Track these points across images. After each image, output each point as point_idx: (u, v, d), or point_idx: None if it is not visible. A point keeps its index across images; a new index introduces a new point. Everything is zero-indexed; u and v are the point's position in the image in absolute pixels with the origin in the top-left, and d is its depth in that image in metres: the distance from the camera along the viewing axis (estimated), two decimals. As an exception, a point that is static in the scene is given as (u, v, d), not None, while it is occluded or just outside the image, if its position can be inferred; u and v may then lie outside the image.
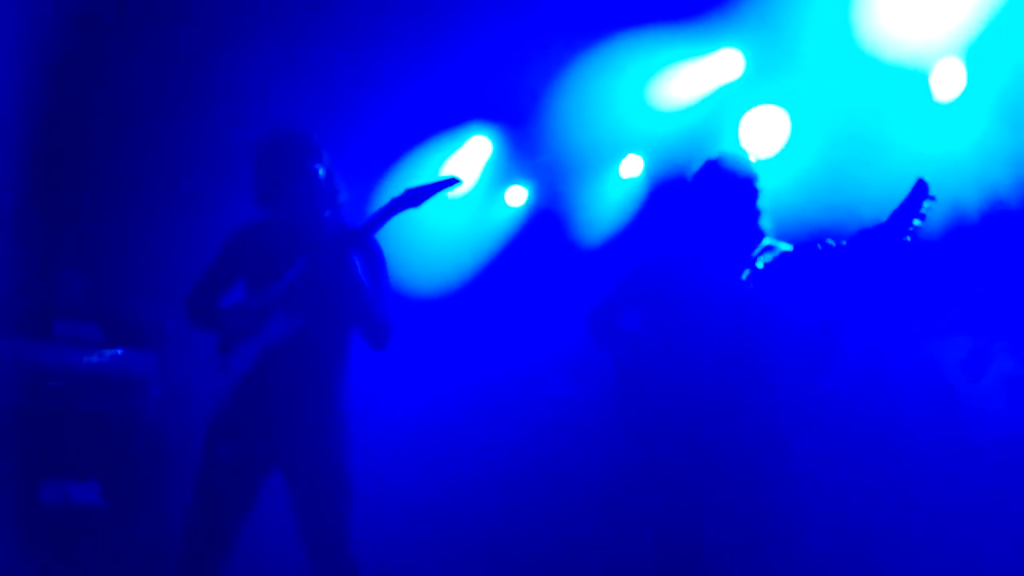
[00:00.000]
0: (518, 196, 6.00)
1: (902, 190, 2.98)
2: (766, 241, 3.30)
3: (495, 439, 5.31)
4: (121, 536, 3.72)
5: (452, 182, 3.21)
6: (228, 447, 3.17)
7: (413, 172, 5.39)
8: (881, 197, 3.07)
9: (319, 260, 3.14)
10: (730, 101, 4.85)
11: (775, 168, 4.40)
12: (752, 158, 3.40)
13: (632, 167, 5.54)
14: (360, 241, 3.19)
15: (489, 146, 5.82)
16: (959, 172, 3.75)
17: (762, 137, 4.62)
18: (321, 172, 3.28)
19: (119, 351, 3.92)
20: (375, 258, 3.32)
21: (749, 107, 4.75)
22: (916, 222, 2.98)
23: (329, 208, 3.33)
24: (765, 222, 3.30)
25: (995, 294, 4.05)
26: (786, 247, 3.28)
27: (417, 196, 3.16)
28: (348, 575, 3.13)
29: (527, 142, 5.66)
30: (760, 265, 3.23)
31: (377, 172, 5.19)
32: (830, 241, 3.10)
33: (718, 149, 3.46)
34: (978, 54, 4.16)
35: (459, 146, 5.75)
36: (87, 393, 3.80)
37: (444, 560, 5.06)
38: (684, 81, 4.95)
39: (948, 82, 4.26)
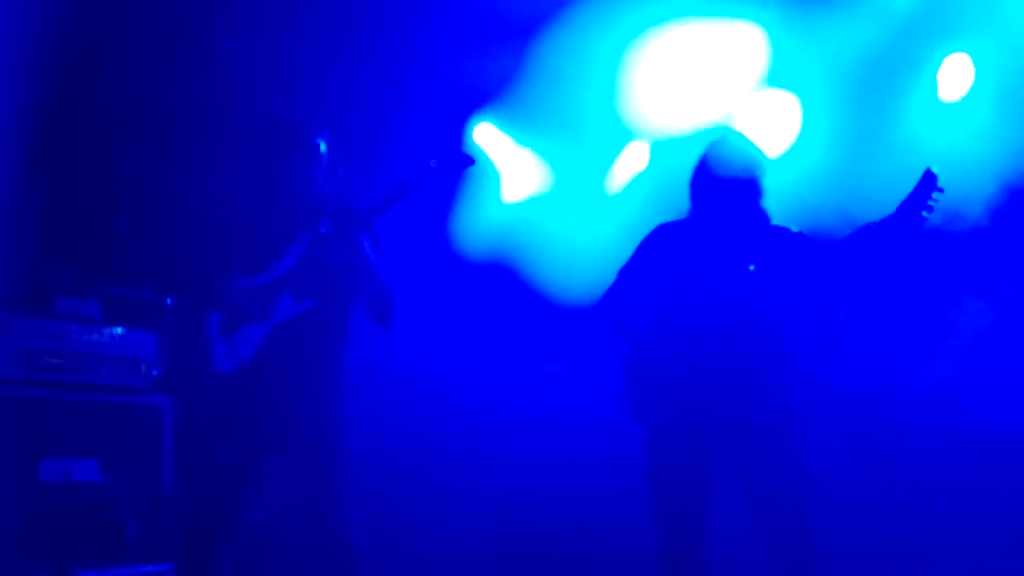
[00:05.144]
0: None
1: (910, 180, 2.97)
2: (772, 224, 3.29)
3: (504, 426, 5.31)
4: (119, 513, 3.71)
5: (467, 162, 3.17)
6: (232, 430, 3.18)
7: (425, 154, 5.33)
8: (890, 187, 3.06)
9: (326, 240, 3.13)
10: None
11: (786, 157, 4.39)
12: (755, 140, 3.38)
13: (637, 157, 5.51)
14: (364, 223, 3.18)
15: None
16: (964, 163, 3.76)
17: (773, 126, 4.59)
18: (322, 147, 3.28)
19: (119, 329, 3.90)
20: (377, 240, 3.31)
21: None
22: (924, 214, 2.97)
23: (328, 184, 3.33)
24: (769, 205, 3.29)
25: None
26: (793, 231, 3.27)
27: (429, 177, 3.12)
28: (346, 554, 3.13)
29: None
30: (766, 251, 3.21)
31: (385, 155, 5.16)
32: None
33: (721, 131, 3.45)
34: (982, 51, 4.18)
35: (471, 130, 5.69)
36: (87, 371, 3.78)
37: (449, 545, 5.06)
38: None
39: (955, 80, 4.27)
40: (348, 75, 4.99)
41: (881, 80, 4.38)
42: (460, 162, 3.16)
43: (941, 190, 2.95)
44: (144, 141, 4.63)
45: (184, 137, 4.67)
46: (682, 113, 4.82)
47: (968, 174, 3.79)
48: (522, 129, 5.65)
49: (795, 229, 3.28)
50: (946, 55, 4.29)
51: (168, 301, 4.00)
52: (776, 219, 3.33)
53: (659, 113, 4.92)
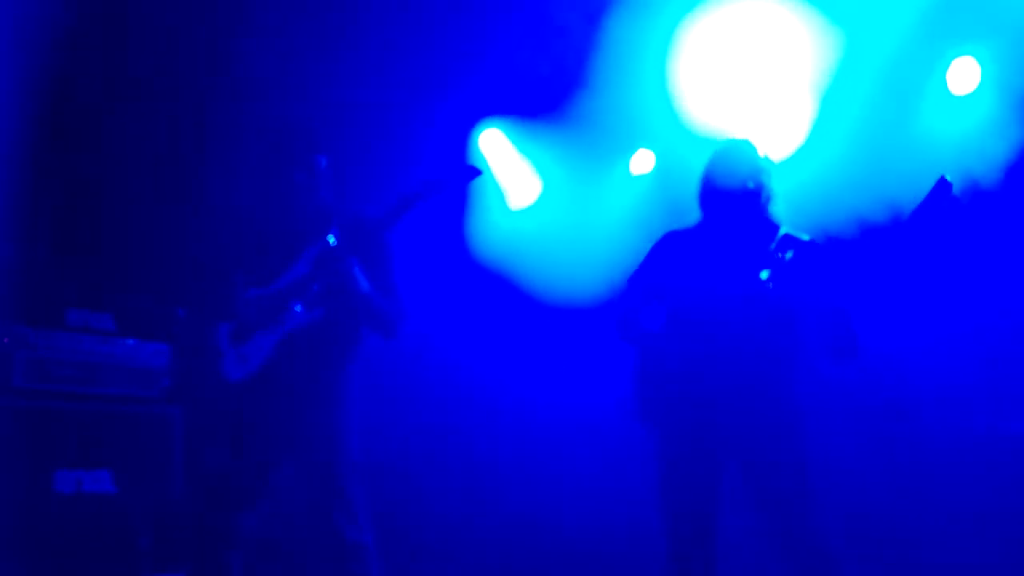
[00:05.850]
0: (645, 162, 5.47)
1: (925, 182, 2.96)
2: (782, 230, 3.28)
3: (512, 428, 5.31)
4: (131, 523, 3.72)
5: (474, 173, 3.18)
6: (242, 438, 3.19)
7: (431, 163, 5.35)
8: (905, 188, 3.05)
9: (334, 250, 3.14)
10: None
11: (798, 159, 4.38)
12: (760, 146, 3.37)
13: (643, 163, 5.50)
14: (372, 236, 3.19)
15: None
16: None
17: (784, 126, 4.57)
18: (323, 163, 3.29)
19: (131, 341, 3.91)
20: (385, 251, 3.32)
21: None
22: (937, 221, 2.95)
23: (333, 195, 3.34)
24: (777, 209, 3.28)
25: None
26: (803, 237, 3.26)
27: (435, 188, 3.13)
28: (355, 559, 3.13)
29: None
30: (775, 255, 3.20)
31: (394, 163, 5.18)
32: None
33: (726, 139, 3.45)
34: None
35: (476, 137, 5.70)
36: (99, 382, 3.79)
37: (454, 548, 5.07)
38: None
39: (963, 78, 4.29)
40: (358, 82, 5.01)
41: (894, 80, 4.38)
42: (466, 174, 3.16)
43: (955, 198, 2.94)
44: (152, 150, 4.64)
45: (196, 146, 4.69)
46: (715, 112, 4.76)
47: (976, 167, 3.79)
48: (528, 136, 5.66)
49: (806, 237, 3.27)
50: (955, 56, 4.30)
51: (179, 312, 4.01)
52: (790, 221, 3.33)
53: (698, 110, 4.83)
